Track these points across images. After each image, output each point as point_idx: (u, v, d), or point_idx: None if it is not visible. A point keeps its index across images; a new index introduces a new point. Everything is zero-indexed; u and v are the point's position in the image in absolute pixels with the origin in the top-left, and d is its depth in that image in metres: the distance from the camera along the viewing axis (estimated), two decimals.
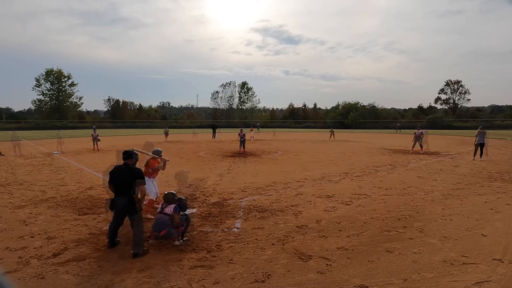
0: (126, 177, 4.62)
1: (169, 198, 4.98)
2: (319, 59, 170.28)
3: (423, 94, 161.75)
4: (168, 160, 6.82)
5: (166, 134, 30.54)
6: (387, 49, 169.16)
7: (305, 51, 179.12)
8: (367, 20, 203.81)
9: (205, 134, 36.13)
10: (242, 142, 18.64)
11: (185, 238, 4.93)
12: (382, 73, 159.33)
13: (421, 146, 17.81)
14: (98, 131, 21.33)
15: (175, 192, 5.14)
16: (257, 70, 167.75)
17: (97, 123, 62.86)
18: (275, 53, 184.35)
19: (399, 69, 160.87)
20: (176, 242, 4.78)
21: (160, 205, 5.05)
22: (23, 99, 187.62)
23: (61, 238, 5.09)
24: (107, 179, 4.80)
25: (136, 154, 5.11)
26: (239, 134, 18.98)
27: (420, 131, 18.03)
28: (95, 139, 20.23)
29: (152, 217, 6.36)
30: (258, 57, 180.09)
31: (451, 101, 72.78)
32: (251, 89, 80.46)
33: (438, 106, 73.53)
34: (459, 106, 73.03)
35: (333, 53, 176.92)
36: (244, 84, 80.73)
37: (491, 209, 6.57)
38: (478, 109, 77.12)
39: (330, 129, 31.42)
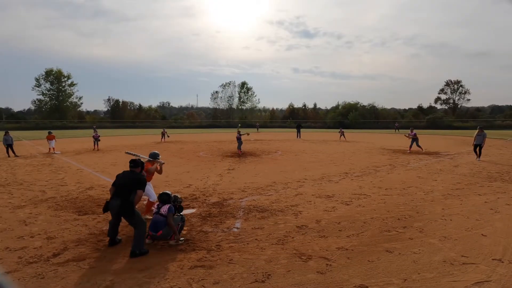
0: (129, 184, 4.70)
1: (163, 199, 4.97)
2: (329, 55, 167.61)
3: (425, 94, 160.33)
4: (163, 163, 6.71)
5: (163, 135, 27.72)
6: (408, 44, 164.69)
7: (319, 46, 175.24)
8: (373, 13, 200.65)
9: (207, 134, 36.12)
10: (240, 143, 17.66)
11: (181, 238, 4.93)
12: (394, 71, 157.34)
13: (412, 147, 17.76)
14: (98, 131, 21.81)
15: (169, 192, 5.11)
16: (265, 68, 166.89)
17: (97, 123, 62.84)
18: (287, 48, 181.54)
19: (411, 65, 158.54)
20: (172, 242, 4.80)
21: (156, 206, 5.04)
22: (23, 99, 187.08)
23: (61, 238, 5.09)
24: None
25: (142, 162, 5.14)
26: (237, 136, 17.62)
27: (414, 132, 17.93)
28: (96, 140, 20.65)
29: (151, 217, 6.39)
30: (267, 53, 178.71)
31: (451, 101, 72.81)
32: (251, 89, 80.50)
33: (438, 106, 73.63)
34: (459, 106, 73.03)
35: (349, 49, 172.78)
36: (243, 84, 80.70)
37: (491, 209, 6.58)
38: (478, 109, 77.08)
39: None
